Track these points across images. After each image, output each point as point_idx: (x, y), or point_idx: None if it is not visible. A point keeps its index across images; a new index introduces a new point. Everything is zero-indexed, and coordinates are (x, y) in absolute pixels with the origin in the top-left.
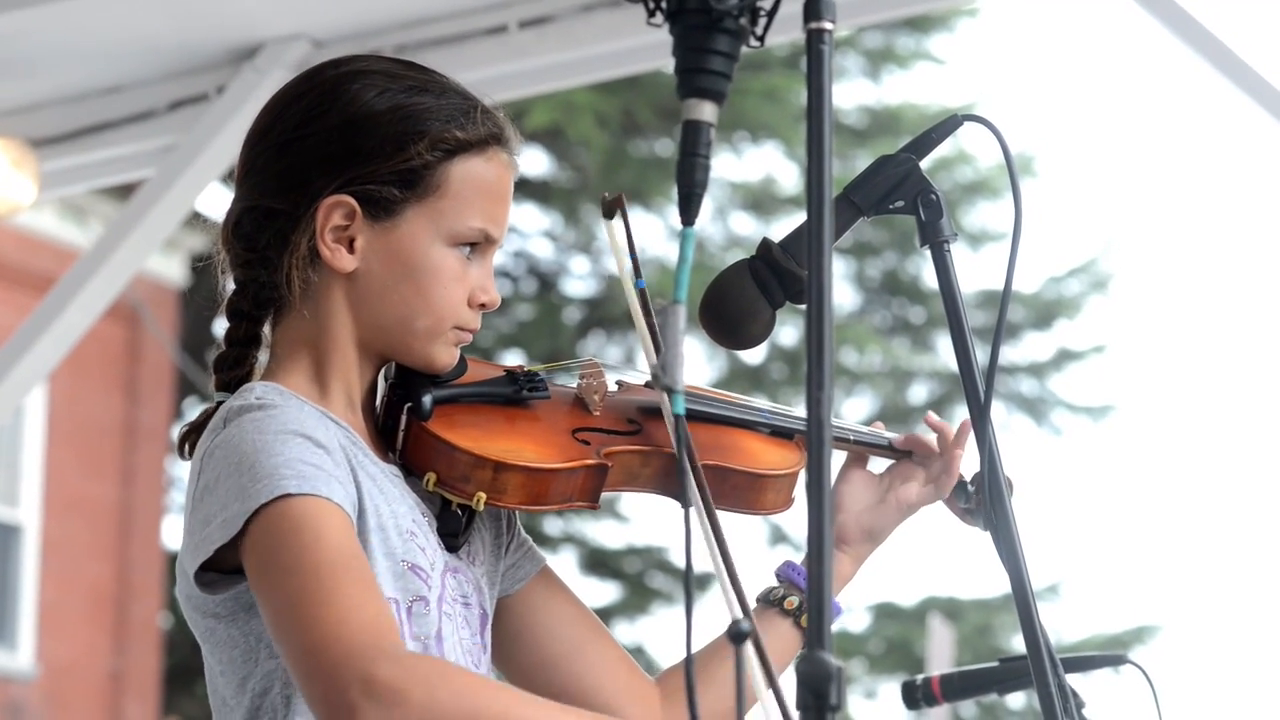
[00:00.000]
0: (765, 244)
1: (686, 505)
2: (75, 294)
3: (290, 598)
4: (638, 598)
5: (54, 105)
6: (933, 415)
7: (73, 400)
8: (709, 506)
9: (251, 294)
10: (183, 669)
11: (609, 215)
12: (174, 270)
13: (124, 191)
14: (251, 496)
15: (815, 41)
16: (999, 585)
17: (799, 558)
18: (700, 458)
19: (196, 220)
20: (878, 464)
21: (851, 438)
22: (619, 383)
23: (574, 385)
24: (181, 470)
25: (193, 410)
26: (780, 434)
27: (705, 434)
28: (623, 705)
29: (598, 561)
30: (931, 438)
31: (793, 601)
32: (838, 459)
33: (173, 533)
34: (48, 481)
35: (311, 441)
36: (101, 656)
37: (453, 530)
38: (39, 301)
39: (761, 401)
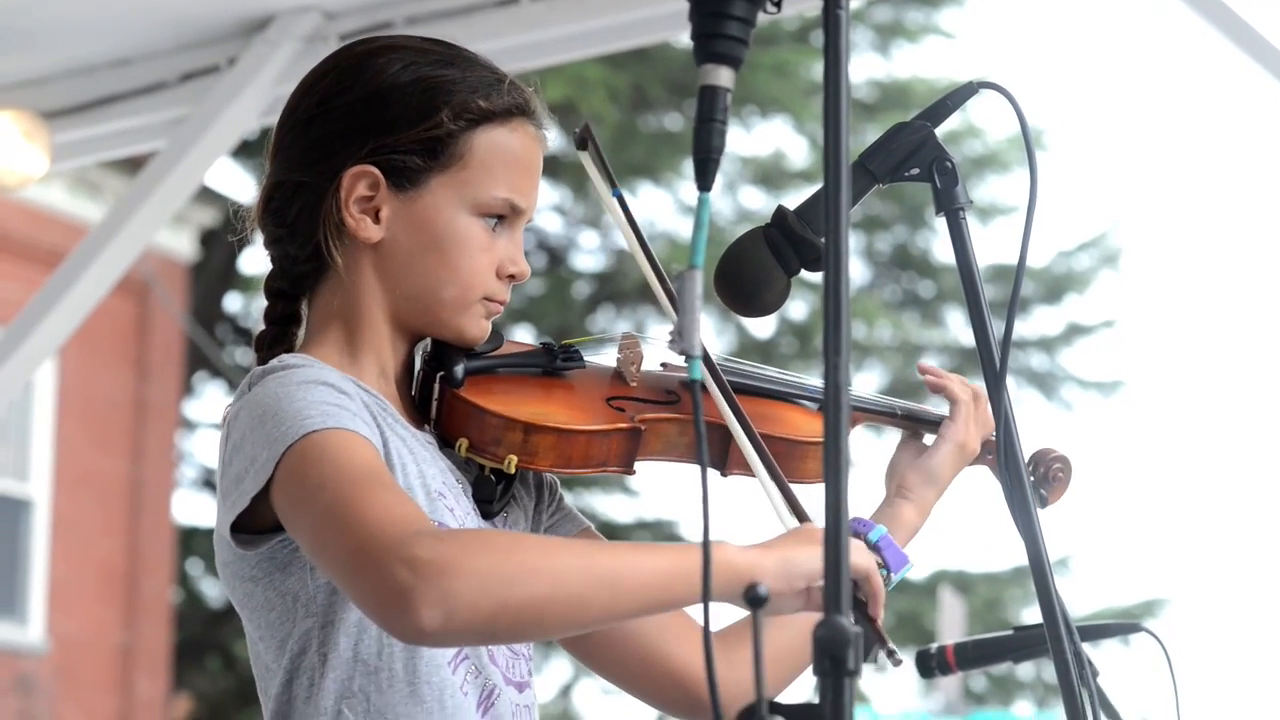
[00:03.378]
0: (780, 211)
1: (703, 467)
2: (85, 268)
3: (323, 514)
4: None
5: (65, 77)
6: (924, 363)
7: (83, 375)
8: (753, 435)
9: (285, 270)
10: (193, 644)
11: (581, 147)
12: (184, 244)
13: (133, 165)
14: (278, 440)
15: (832, 7)
16: (1009, 559)
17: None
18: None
19: (206, 195)
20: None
21: (900, 411)
22: (663, 364)
23: (611, 359)
24: (191, 444)
25: (203, 384)
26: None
27: (746, 405)
28: (669, 641)
29: (608, 536)
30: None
31: None
32: (893, 435)
33: (183, 507)
34: (58, 456)
35: (333, 389)
36: (112, 631)
37: (488, 497)
38: (49, 276)
39: (805, 378)
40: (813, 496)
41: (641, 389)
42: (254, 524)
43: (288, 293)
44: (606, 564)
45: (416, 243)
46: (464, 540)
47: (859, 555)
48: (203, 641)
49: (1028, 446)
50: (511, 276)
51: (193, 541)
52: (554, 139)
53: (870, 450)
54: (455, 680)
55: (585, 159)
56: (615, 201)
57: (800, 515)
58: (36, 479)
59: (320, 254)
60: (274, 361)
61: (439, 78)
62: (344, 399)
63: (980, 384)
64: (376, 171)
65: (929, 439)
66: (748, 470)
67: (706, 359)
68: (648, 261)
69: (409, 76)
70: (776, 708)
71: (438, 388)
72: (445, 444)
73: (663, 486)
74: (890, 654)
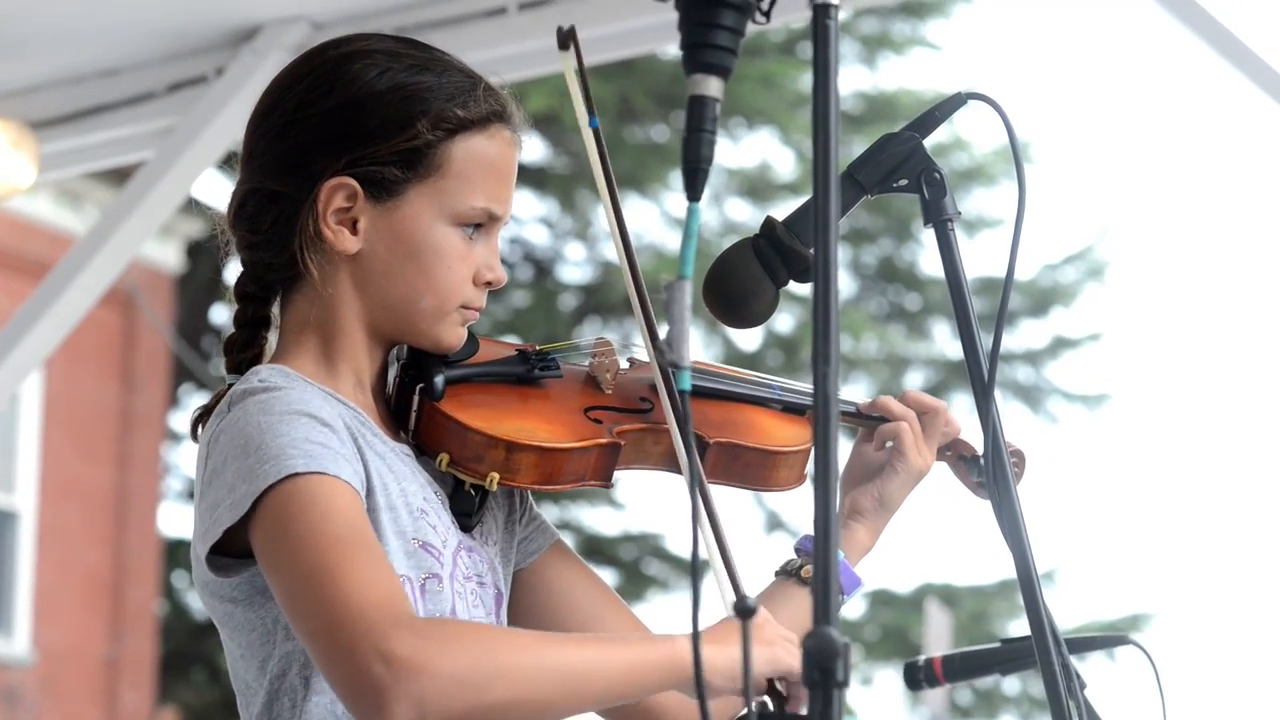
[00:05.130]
0: (769, 222)
1: (691, 479)
2: (71, 280)
3: (300, 577)
4: (634, 585)
5: (52, 87)
6: (910, 392)
7: (69, 386)
8: (704, 490)
9: (257, 276)
10: (179, 656)
11: (563, 47)
12: (170, 256)
13: (119, 177)
14: (259, 478)
15: (821, 16)
16: (995, 572)
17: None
18: (712, 435)
19: (192, 206)
20: None
21: (857, 409)
22: (630, 360)
23: (586, 364)
24: (177, 456)
25: (188, 396)
26: (792, 410)
27: (717, 411)
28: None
29: (594, 549)
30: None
31: (809, 571)
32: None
33: (169, 519)
34: (44, 467)
35: (317, 420)
36: (97, 643)
37: (466, 510)
38: (35, 287)
39: (773, 378)
40: (792, 501)
41: (617, 397)
42: (231, 549)
43: (258, 296)
44: (577, 662)
45: (394, 254)
46: (441, 636)
47: (789, 654)
48: (188, 653)
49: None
50: (488, 283)
51: (178, 553)
52: (538, 149)
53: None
54: None
55: (566, 64)
56: (591, 133)
57: (726, 556)
58: (22, 490)
59: (295, 263)
60: (254, 380)
61: (415, 85)
62: (327, 433)
63: (928, 396)
64: (354, 183)
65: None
66: (719, 479)
67: (668, 381)
68: (611, 203)
69: (385, 84)
70: (766, 718)
71: (417, 399)
72: (423, 453)
73: (648, 499)
74: None
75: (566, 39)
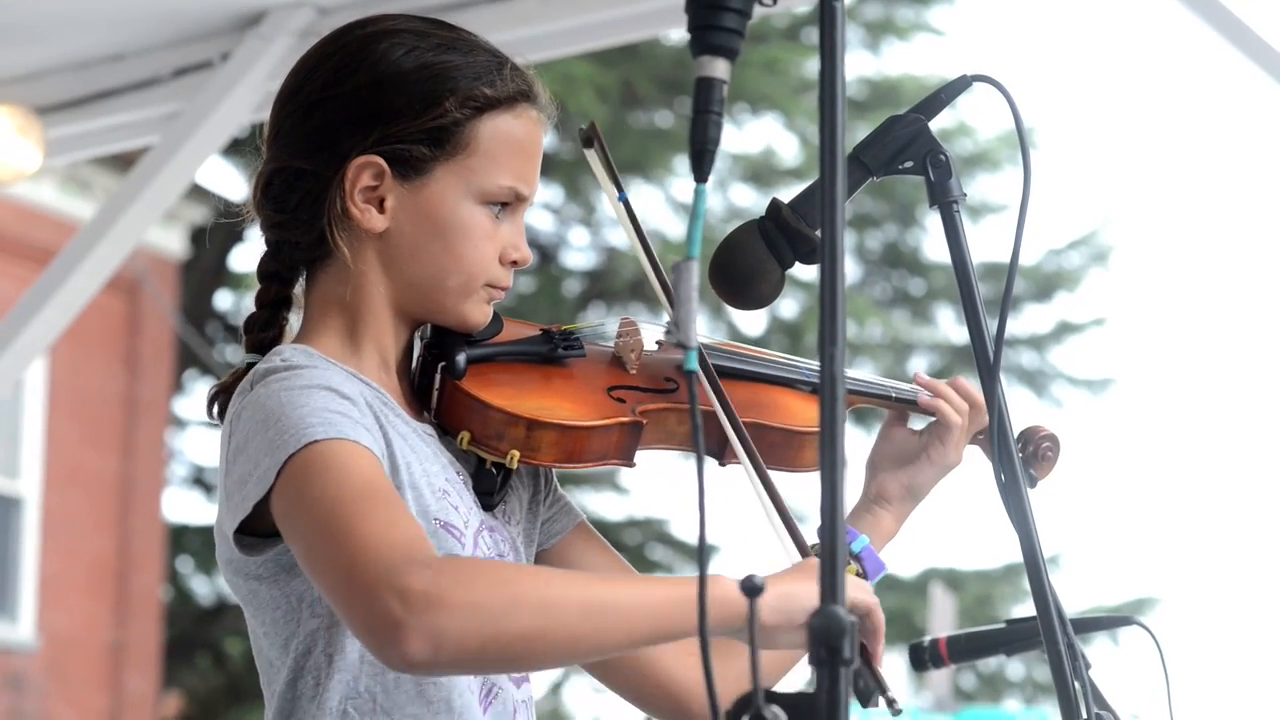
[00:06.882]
0: (775, 204)
1: (700, 459)
2: (76, 266)
3: (319, 529)
4: (638, 570)
5: (59, 72)
6: (921, 375)
7: (73, 372)
8: (754, 457)
9: (283, 256)
10: (183, 641)
11: (587, 145)
12: (175, 242)
13: (124, 163)
14: (280, 448)
15: (828, 0)
16: (999, 556)
17: (806, 529)
18: (737, 415)
19: (198, 192)
20: (918, 422)
21: (894, 395)
22: (658, 342)
23: (611, 344)
24: (182, 442)
25: (193, 382)
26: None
27: (742, 391)
28: (665, 655)
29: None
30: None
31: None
32: (879, 416)
33: (173, 505)
34: (48, 453)
35: (336, 394)
36: (102, 628)
37: (488, 489)
38: (40, 274)
39: (800, 359)
40: (799, 484)
41: (641, 377)
42: (257, 527)
43: (282, 276)
44: (599, 597)
45: (421, 232)
46: (457, 571)
47: (861, 591)
48: (193, 639)
49: (1014, 427)
50: (514, 262)
51: (183, 539)
52: (547, 135)
53: (861, 445)
54: (462, 679)
55: (591, 158)
56: (621, 206)
57: (788, 521)
58: (27, 476)
59: (322, 241)
60: (276, 359)
61: (442, 64)
62: (347, 405)
63: (975, 382)
64: (381, 161)
65: (915, 421)
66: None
67: (702, 359)
68: (651, 267)
69: (412, 63)
70: (772, 697)
71: (439, 378)
72: (445, 432)
73: (653, 483)
74: (890, 702)
75: (589, 138)
